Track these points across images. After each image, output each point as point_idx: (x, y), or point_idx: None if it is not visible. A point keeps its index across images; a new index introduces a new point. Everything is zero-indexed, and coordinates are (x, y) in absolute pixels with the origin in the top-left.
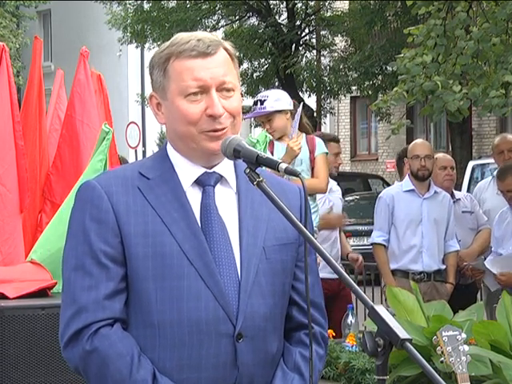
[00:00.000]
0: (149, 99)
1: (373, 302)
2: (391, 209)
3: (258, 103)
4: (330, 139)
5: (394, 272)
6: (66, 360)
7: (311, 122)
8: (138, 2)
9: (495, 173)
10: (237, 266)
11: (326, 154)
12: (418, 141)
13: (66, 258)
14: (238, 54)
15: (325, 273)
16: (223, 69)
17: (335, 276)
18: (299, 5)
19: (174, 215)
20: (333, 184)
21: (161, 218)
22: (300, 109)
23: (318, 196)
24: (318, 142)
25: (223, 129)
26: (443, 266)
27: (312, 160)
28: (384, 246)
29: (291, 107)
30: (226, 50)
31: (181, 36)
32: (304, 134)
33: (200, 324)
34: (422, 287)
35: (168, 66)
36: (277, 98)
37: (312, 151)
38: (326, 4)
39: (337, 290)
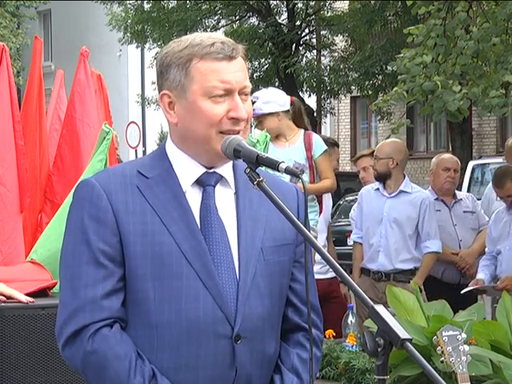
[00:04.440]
0: (160, 97)
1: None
2: (361, 207)
3: None
4: (334, 144)
5: (362, 270)
6: (65, 359)
7: (311, 122)
8: (139, 2)
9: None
10: (235, 266)
11: (326, 150)
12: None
13: (63, 256)
14: None
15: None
16: (243, 73)
17: (325, 276)
18: (299, 5)
19: (174, 215)
20: None
21: (160, 217)
22: None
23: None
24: (316, 139)
25: (239, 131)
26: (407, 267)
27: (309, 158)
28: (361, 244)
29: (285, 107)
30: (241, 54)
31: (200, 37)
32: (302, 131)
33: (198, 325)
34: (381, 287)
35: (190, 67)
36: (266, 101)
37: (309, 149)
38: (327, 4)
39: (327, 291)
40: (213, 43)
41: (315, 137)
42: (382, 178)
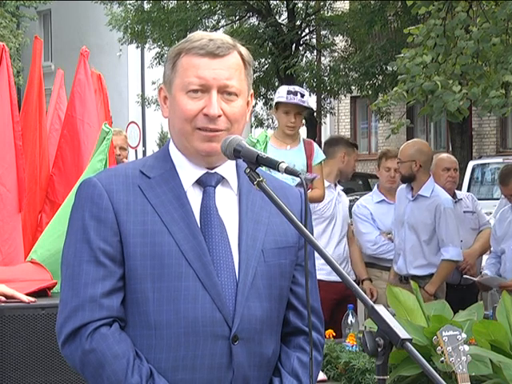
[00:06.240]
0: (158, 91)
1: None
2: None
3: (298, 95)
4: (354, 145)
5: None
6: (65, 357)
7: (312, 122)
8: (139, 2)
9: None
10: (235, 267)
11: (322, 161)
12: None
13: (64, 254)
14: None
15: (334, 276)
16: (229, 72)
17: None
18: (299, 5)
19: (174, 215)
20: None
21: (160, 217)
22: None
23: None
24: (317, 148)
25: (217, 130)
26: (421, 273)
27: (309, 165)
28: None
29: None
30: (240, 54)
31: (197, 34)
32: (301, 136)
33: (196, 325)
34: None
35: (177, 61)
36: (307, 96)
37: (310, 157)
38: (327, 4)
39: (344, 295)
40: (200, 39)
41: (316, 146)
42: (407, 180)
